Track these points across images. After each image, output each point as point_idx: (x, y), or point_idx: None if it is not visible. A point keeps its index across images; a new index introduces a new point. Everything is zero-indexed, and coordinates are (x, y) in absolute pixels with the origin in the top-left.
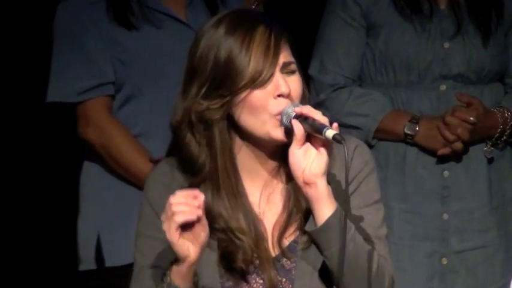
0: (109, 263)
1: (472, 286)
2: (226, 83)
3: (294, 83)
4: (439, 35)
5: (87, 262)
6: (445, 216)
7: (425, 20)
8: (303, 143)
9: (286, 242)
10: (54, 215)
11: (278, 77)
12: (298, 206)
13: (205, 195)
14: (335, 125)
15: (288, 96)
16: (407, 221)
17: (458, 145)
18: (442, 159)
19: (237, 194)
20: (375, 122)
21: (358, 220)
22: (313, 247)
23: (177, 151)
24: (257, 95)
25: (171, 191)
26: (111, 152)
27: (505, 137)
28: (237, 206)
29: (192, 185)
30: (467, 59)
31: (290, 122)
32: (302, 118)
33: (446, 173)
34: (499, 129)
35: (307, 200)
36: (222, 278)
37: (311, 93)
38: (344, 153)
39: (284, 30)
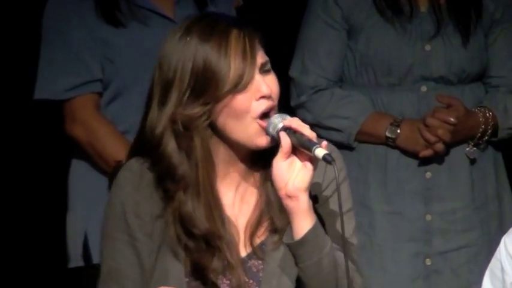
0: (97, 259)
1: (456, 286)
2: (207, 90)
3: (272, 82)
4: (419, 37)
5: (75, 259)
6: (428, 217)
7: (406, 22)
8: (288, 156)
9: (257, 241)
10: (43, 213)
11: (258, 78)
12: (269, 206)
13: (184, 201)
14: (324, 143)
15: (269, 97)
16: (390, 222)
17: (440, 146)
18: (424, 161)
19: (213, 198)
20: (356, 125)
21: (329, 228)
22: (281, 248)
23: (157, 161)
24: (239, 99)
25: (140, 191)
26: (97, 149)
27: (486, 137)
28: (214, 209)
29: (168, 192)
30: (448, 61)
31: (277, 132)
32: (290, 131)
33: (428, 174)
34: (481, 129)
35: (284, 210)
36: (188, 277)
37: (292, 95)
38: (335, 173)
39: (255, 31)
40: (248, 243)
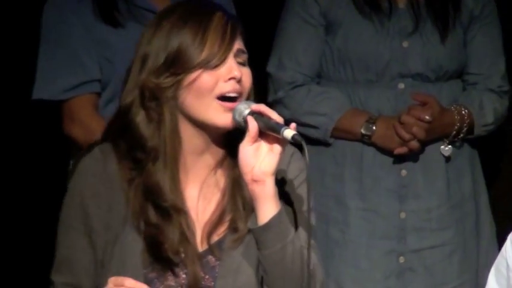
0: None
1: (430, 285)
2: (180, 61)
3: (245, 75)
4: (397, 34)
5: None
6: (403, 214)
7: (384, 19)
8: (255, 141)
9: (214, 238)
10: (42, 212)
11: (231, 62)
12: (233, 205)
13: (153, 172)
14: (293, 125)
15: (239, 81)
16: (365, 219)
17: (415, 144)
18: (400, 158)
19: (178, 173)
20: (332, 122)
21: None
22: (240, 247)
23: (125, 131)
24: (207, 77)
25: (101, 181)
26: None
27: (462, 135)
28: (178, 184)
29: (138, 162)
30: (425, 58)
31: (243, 118)
32: (257, 115)
33: (403, 172)
34: (456, 127)
35: (248, 198)
36: (145, 269)
37: (269, 91)
38: (304, 153)
39: (240, 23)
40: (205, 240)
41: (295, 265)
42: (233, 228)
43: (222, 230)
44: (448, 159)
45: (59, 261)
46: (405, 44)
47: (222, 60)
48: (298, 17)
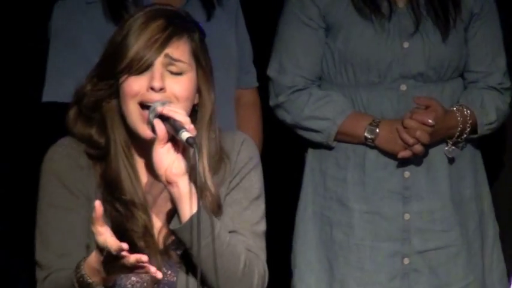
0: None
1: (435, 286)
2: (111, 65)
3: (175, 84)
4: (398, 35)
5: None
6: (407, 216)
7: (384, 20)
8: (165, 142)
9: (171, 239)
10: None
11: (156, 70)
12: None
13: (106, 167)
14: (191, 126)
15: (159, 91)
16: (369, 221)
17: (418, 148)
18: (403, 160)
19: (133, 171)
20: (335, 126)
21: (235, 214)
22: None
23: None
24: (132, 82)
25: (75, 162)
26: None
27: (465, 135)
28: (138, 186)
29: (94, 159)
30: (426, 58)
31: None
32: (164, 117)
33: (407, 174)
34: (459, 128)
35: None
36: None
37: (270, 95)
38: (195, 157)
39: (190, 31)
40: (168, 235)
41: (224, 260)
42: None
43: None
44: (451, 160)
45: (43, 239)
46: (406, 45)
47: (146, 67)
48: (297, 20)
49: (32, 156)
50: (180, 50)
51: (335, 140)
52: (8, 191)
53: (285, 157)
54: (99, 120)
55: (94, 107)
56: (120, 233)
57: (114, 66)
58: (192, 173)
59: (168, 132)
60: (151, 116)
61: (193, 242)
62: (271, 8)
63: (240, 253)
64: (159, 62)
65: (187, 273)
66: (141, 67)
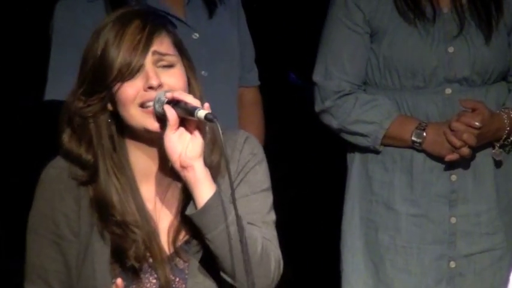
0: None
1: None
2: (100, 78)
3: (170, 78)
4: (442, 39)
5: None
6: (453, 219)
7: (428, 24)
8: (177, 128)
9: (180, 241)
10: None
11: (149, 69)
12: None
13: (96, 188)
14: (206, 105)
15: (158, 88)
16: (416, 224)
17: (466, 150)
18: (449, 163)
19: (130, 190)
20: (382, 130)
21: (244, 207)
22: (207, 248)
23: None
24: (126, 88)
25: (68, 187)
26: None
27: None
28: (131, 201)
29: (82, 183)
30: (471, 63)
31: (162, 109)
32: (174, 102)
33: (453, 177)
34: (506, 131)
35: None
36: (115, 277)
37: (315, 100)
38: (218, 132)
39: (165, 25)
40: (171, 245)
41: (242, 243)
42: (197, 231)
43: (185, 232)
44: (497, 163)
45: (30, 270)
46: (450, 49)
47: (138, 69)
48: (342, 25)
49: (34, 155)
50: (164, 44)
51: (382, 144)
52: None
53: (288, 156)
54: (87, 139)
55: (84, 124)
56: (118, 257)
57: (103, 79)
58: (207, 150)
59: (178, 116)
60: (157, 106)
61: (211, 226)
62: (272, 7)
63: (256, 236)
64: (148, 61)
65: (195, 278)
66: (133, 71)
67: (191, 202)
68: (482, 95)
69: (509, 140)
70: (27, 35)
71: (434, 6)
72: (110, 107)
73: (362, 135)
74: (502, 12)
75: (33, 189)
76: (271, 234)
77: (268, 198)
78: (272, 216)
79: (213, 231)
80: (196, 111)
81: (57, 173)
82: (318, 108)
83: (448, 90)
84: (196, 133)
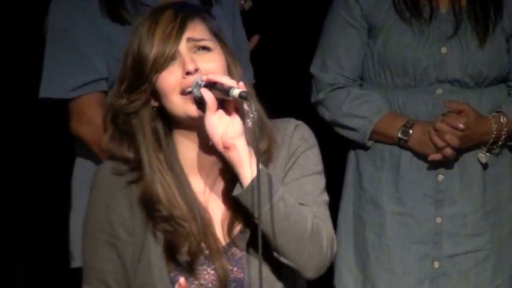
0: None
1: None
2: (138, 71)
3: (208, 63)
4: (436, 39)
5: (78, 259)
6: (438, 220)
7: (424, 24)
8: (216, 110)
9: (235, 231)
10: (46, 213)
11: (185, 55)
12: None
13: (143, 184)
14: (241, 83)
15: (196, 72)
16: (400, 223)
17: (448, 151)
18: (437, 163)
19: (178, 183)
20: (371, 125)
21: (296, 189)
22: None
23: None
24: (165, 77)
25: (118, 189)
26: (104, 148)
27: (500, 142)
28: (180, 195)
29: (131, 182)
30: (463, 64)
31: (201, 92)
32: (211, 85)
33: (440, 177)
34: (493, 135)
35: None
36: (171, 272)
37: (312, 91)
38: (251, 108)
39: (198, 12)
40: (226, 234)
41: (292, 221)
42: (251, 220)
43: (240, 220)
44: (485, 165)
45: (88, 272)
46: (443, 50)
47: (172, 57)
48: (341, 19)
49: (31, 152)
50: (198, 30)
51: (370, 139)
52: (1, 189)
53: None
54: (131, 137)
55: (127, 121)
56: (174, 250)
57: (141, 72)
58: (246, 127)
59: (216, 98)
60: (195, 90)
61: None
62: (266, 7)
63: (306, 214)
64: (183, 48)
65: (253, 267)
66: (168, 59)
67: (237, 183)
68: (475, 97)
69: (498, 144)
70: (27, 35)
71: (432, 6)
72: (154, 103)
73: (352, 129)
74: (501, 17)
75: (33, 189)
76: (323, 213)
77: (320, 181)
78: (324, 197)
79: (261, 209)
80: (231, 90)
81: (106, 175)
82: (313, 99)
83: (439, 91)
84: (235, 112)
